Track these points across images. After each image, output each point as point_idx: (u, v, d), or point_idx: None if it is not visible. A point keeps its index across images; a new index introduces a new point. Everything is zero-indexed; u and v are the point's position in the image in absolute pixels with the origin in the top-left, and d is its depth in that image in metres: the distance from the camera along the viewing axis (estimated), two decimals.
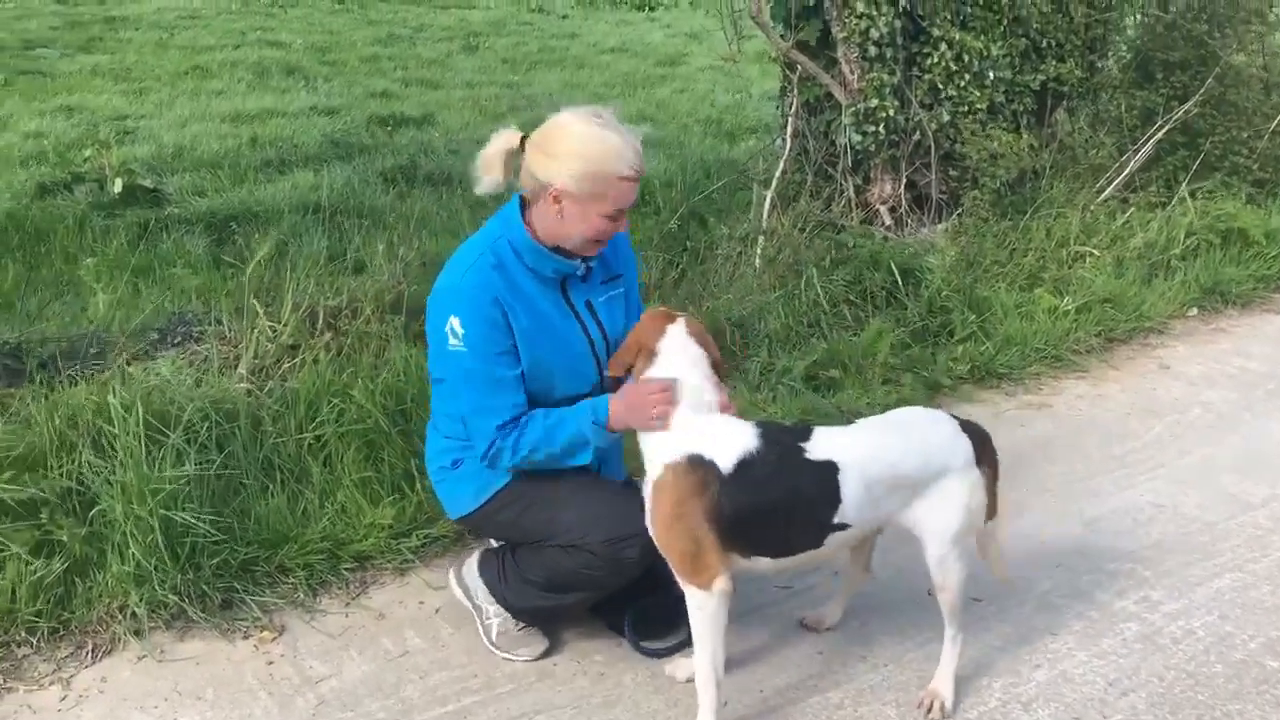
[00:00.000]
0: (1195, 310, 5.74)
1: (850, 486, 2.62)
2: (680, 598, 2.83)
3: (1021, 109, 6.61)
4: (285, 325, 4.26)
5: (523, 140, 2.80)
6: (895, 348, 4.78)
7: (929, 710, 2.83)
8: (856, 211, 6.41)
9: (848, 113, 6.19)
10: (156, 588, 3.14)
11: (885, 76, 6.08)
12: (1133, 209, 6.27)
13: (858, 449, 2.66)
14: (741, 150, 9.26)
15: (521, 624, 3.06)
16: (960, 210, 6.09)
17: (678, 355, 2.69)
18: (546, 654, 3.06)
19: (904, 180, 6.39)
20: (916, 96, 6.27)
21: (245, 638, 3.13)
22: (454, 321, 2.75)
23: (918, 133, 6.28)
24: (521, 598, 2.99)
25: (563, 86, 12.39)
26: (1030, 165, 6.19)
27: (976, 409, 4.62)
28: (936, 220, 6.41)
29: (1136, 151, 6.60)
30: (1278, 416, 4.60)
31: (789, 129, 6.41)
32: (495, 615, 3.06)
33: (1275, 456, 4.22)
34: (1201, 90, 6.54)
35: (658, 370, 2.69)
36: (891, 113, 6.13)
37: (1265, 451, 4.25)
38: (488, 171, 2.84)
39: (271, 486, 3.59)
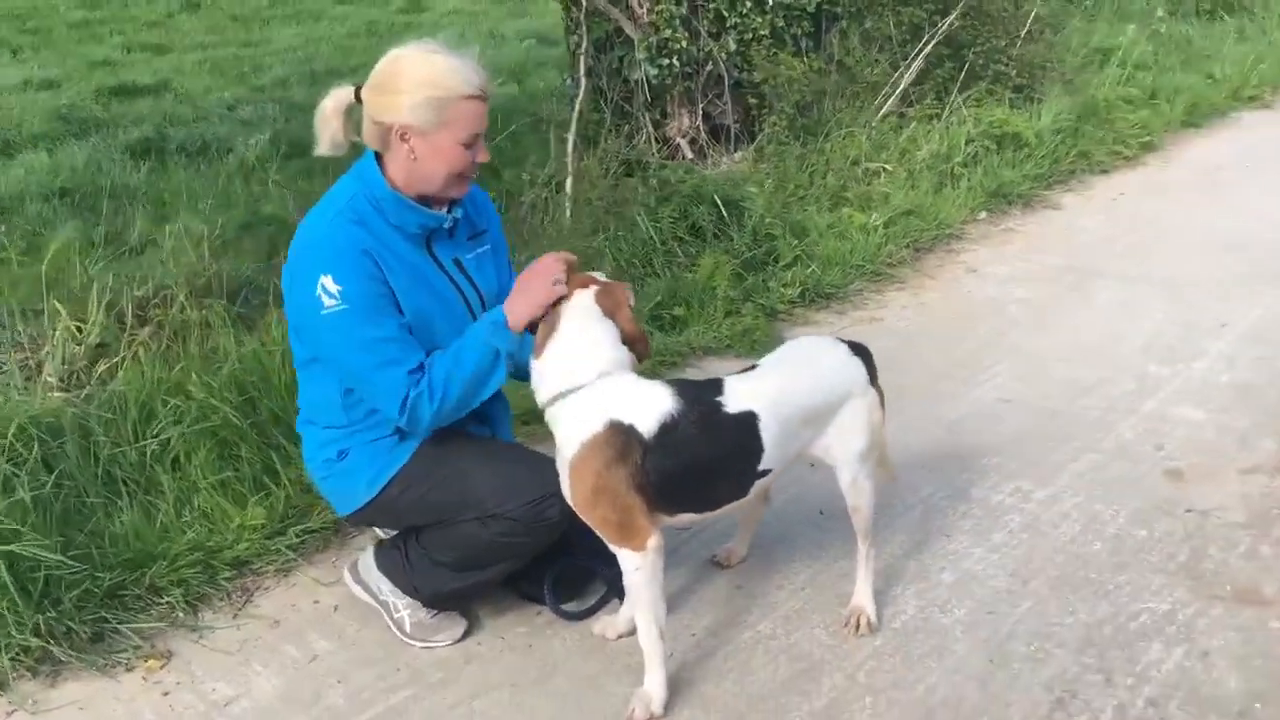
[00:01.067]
0: (984, 214, 6.07)
1: (770, 433, 2.61)
2: (594, 555, 2.82)
3: (800, 32, 6.75)
4: (93, 324, 3.85)
5: (357, 91, 2.61)
6: (730, 279, 4.80)
7: (856, 627, 2.88)
8: (657, 147, 6.41)
9: (640, 47, 6.16)
10: (13, 632, 2.80)
11: (674, 8, 6.07)
12: (914, 122, 6.53)
13: (770, 394, 2.64)
14: (508, 95, 9.10)
15: (435, 610, 2.91)
16: (761, 138, 6.18)
17: (587, 323, 2.56)
18: (467, 635, 2.93)
19: (701, 112, 6.43)
20: (704, 26, 6.29)
21: (129, 670, 2.84)
22: (326, 281, 2.53)
23: (710, 63, 6.31)
24: (433, 583, 2.85)
25: (304, 42, 11.78)
26: (819, 88, 6.34)
27: (815, 330, 4.74)
28: (735, 149, 6.49)
29: (908, 66, 6.87)
30: (1083, 305, 4.93)
31: (581, 68, 6.29)
32: (405, 608, 2.90)
33: (1092, 343, 4.53)
34: (960, 3, 6.87)
35: (559, 338, 2.56)
36: (684, 44, 6.13)
37: (1082, 339, 4.56)
38: (325, 129, 2.65)
39: (119, 502, 3.27)
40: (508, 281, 2.82)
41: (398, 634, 2.91)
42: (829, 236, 5.32)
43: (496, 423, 2.97)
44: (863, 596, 2.93)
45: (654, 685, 2.63)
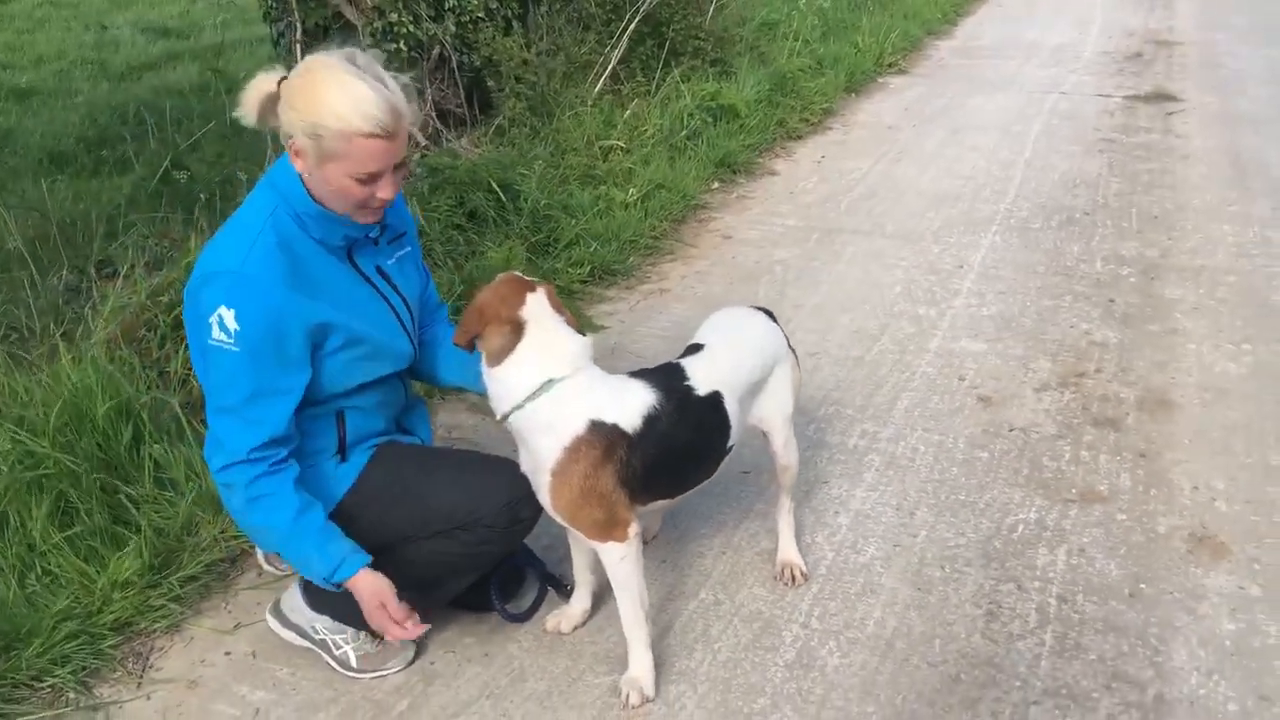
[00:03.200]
0: (716, 184, 6.39)
1: (732, 409, 2.69)
2: (524, 554, 2.86)
3: (510, 14, 6.75)
4: None
5: (280, 82, 2.39)
6: (522, 264, 4.77)
7: (791, 579, 3.02)
8: None
9: (365, 32, 5.90)
10: None
11: None
12: (634, 100, 6.74)
13: (726, 372, 2.71)
14: (147, 87, 8.44)
15: (379, 638, 2.73)
16: (501, 120, 6.14)
17: (548, 323, 2.50)
18: (417, 657, 2.77)
19: (430, 96, 6.28)
20: (423, 9, 6.14)
21: None
22: (225, 314, 2.30)
23: (437, 46, 6.17)
24: None
25: None
26: (550, 68, 6.38)
27: (612, 307, 4.83)
28: (466, 132, 6.40)
29: (615, 45, 7.05)
30: (837, 260, 5.34)
31: (298, 57, 5.93)
32: (347, 642, 2.71)
33: (861, 294, 4.93)
34: None
35: (529, 342, 2.48)
36: (410, 28, 5.95)
37: (851, 291, 4.95)
38: (245, 113, 2.40)
39: None
40: (427, 282, 2.71)
41: (342, 671, 2.71)
42: (593, 215, 5.39)
43: (417, 429, 2.82)
44: (789, 550, 3.07)
45: (642, 669, 2.63)
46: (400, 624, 2.47)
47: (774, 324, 2.95)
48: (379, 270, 2.58)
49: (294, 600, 2.73)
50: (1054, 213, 5.94)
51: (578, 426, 2.44)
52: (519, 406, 2.46)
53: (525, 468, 2.55)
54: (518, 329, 2.45)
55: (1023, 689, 2.64)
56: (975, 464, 3.59)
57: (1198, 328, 4.54)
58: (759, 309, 3.00)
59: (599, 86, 6.87)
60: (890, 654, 2.77)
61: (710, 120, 6.80)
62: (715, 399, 2.64)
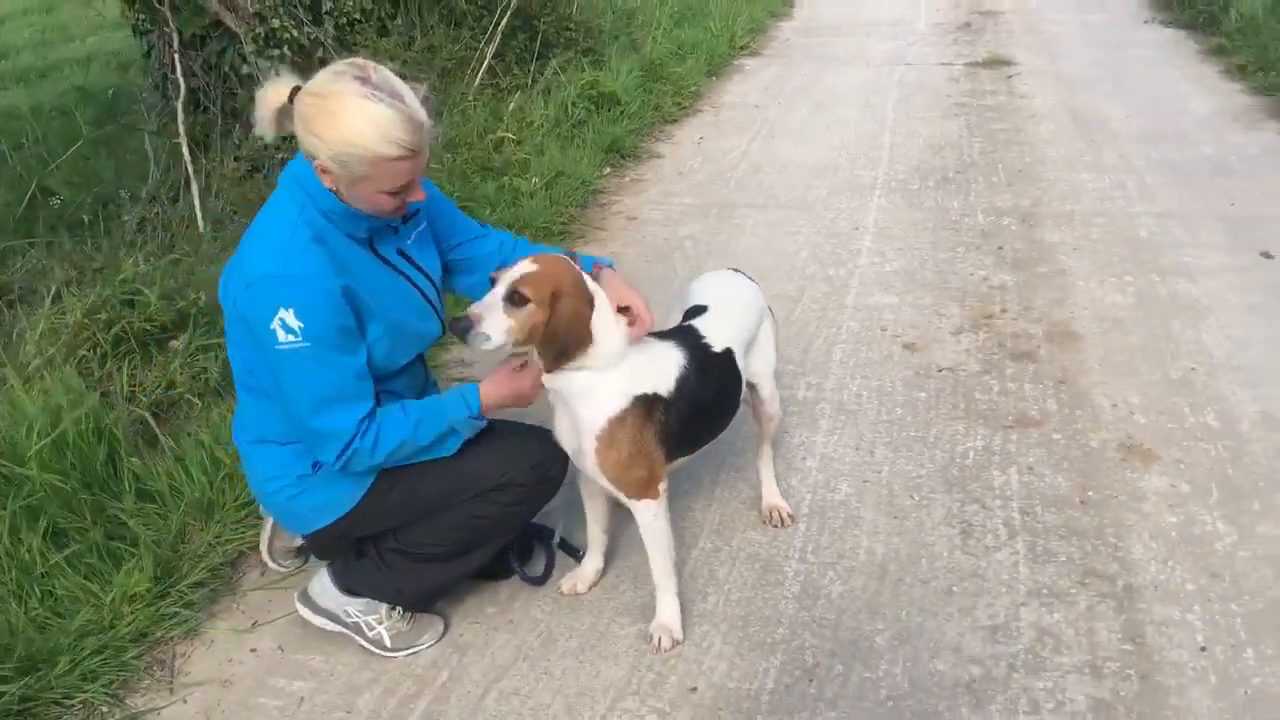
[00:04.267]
0: (609, 169, 6.55)
1: (741, 364, 2.88)
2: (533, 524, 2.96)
3: (384, 13, 6.76)
4: None
5: (293, 92, 2.44)
6: None
7: (780, 521, 3.23)
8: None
9: (248, 39, 5.83)
10: None
11: None
12: (518, 92, 6.84)
13: (733, 329, 2.90)
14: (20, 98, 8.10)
15: (409, 615, 2.82)
16: None
17: (599, 295, 2.60)
18: (446, 630, 2.86)
19: None
20: (302, 13, 6.11)
21: None
22: (286, 315, 2.35)
23: (320, 50, 6.14)
24: (420, 581, 2.76)
25: None
26: (436, 65, 6.42)
27: None
28: None
29: (489, 40, 7.13)
30: (741, 233, 5.58)
31: (177, 68, 5.83)
32: (380, 622, 2.78)
33: (770, 262, 5.16)
34: None
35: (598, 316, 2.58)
36: (294, 33, 5.92)
37: (762, 260, 5.16)
38: (261, 122, 2.45)
39: None
40: (455, 218, 2.81)
41: (378, 652, 2.79)
42: (504, 205, 5.49)
43: (426, 385, 2.91)
44: (773, 494, 3.28)
45: (671, 615, 2.79)
46: (530, 366, 2.57)
47: (754, 284, 3.14)
48: (401, 253, 2.64)
49: (323, 586, 2.78)
50: (928, 174, 6.32)
51: (624, 399, 2.58)
52: (577, 370, 2.57)
53: (563, 431, 2.66)
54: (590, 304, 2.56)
55: (1009, 593, 2.91)
56: (916, 404, 3.87)
57: (1081, 266, 4.95)
58: (737, 270, 3.19)
59: (478, 81, 6.93)
60: (885, 577, 3.00)
61: (593, 108, 6.95)
62: (728, 355, 2.82)
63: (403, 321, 2.58)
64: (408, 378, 2.71)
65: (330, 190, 2.42)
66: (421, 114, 2.37)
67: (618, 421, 2.57)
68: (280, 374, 2.41)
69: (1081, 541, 3.09)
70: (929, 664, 2.68)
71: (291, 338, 2.34)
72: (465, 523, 2.67)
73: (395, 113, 2.31)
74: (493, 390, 2.61)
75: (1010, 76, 8.50)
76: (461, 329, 2.46)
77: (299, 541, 3.07)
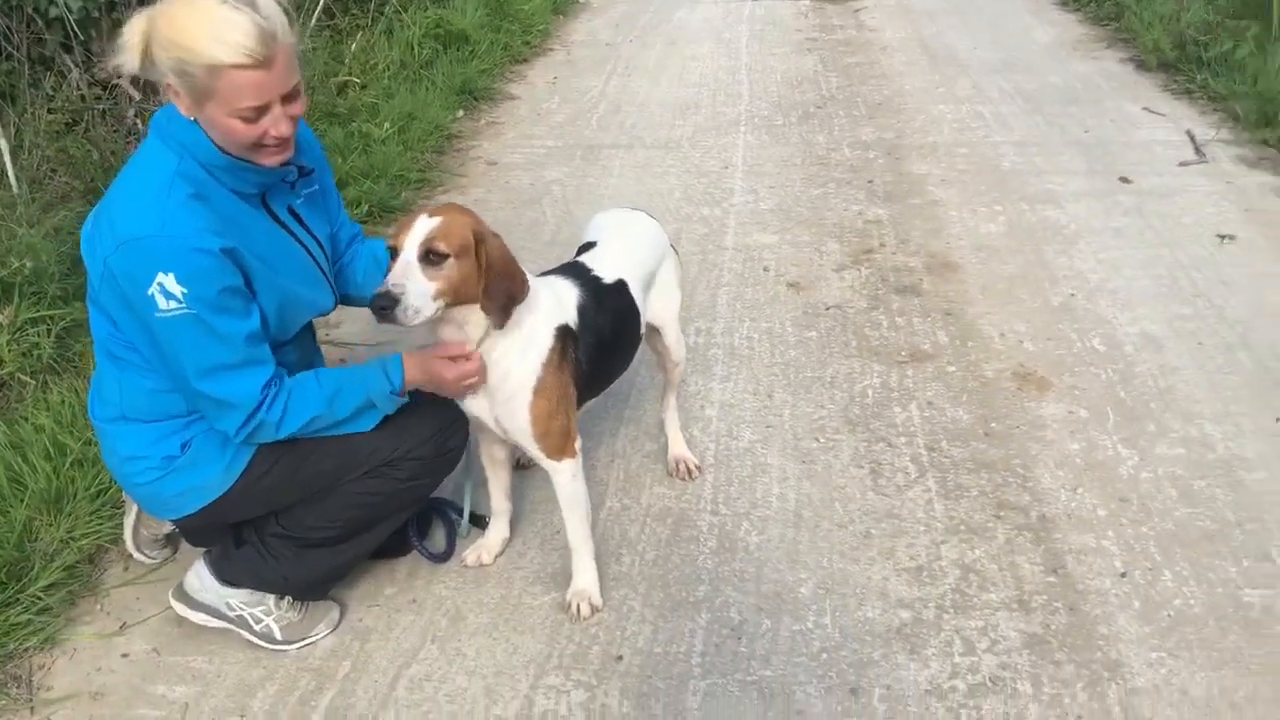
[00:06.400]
0: (462, 111, 6.24)
1: (637, 296, 2.71)
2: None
3: None
4: None
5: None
6: None
7: (687, 473, 3.10)
8: (95, 91, 5.60)
9: None
10: None
11: None
12: (359, 33, 6.44)
13: (624, 261, 2.73)
14: None
15: (300, 603, 2.58)
16: None
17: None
18: (343, 617, 2.64)
19: None
20: None
21: None
22: (166, 280, 2.07)
23: None
24: (311, 567, 2.52)
25: None
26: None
27: None
28: None
29: None
30: (608, 175, 5.39)
31: None
32: (268, 614, 2.54)
33: (643, 201, 4.92)
34: None
35: None
36: None
37: (635, 202, 4.95)
38: (128, 58, 2.13)
39: None
40: (338, 218, 2.54)
41: (268, 646, 2.54)
42: (355, 153, 5.16)
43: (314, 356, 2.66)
44: (680, 446, 3.14)
45: (589, 581, 2.64)
46: (464, 357, 2.36)
47: (656, 222, 2.97)
48: (291, 211, 2.37)
49: (201, 578, 2.51)
50: (790, 109, 6.25)
51: (547, 339, 2.41)
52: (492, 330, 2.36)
53: (476, 402, 2.45)
54: None
55: (928, 532, 2.86)
56: (808, 343, 3.78)
57: (951, 197, 4.95)
58: (634, 209, 3.02)
59: (314, 21, 6.50)
60: (801, 524, 2.90)
61: (440, 48, 6.61)
62: (622, 285, 2.67)
63: (293, 288, 2.31)
64: (298, 350, 2.45)
65: (210, 140, 2.14)
66: (274, 24, 2.09)
67: (548, 365, 2.40)
68: (163, 342, 2.14)
69: (991, 474, 3.06)
70: (857, 611, 2.60)
71: (173, 304, 2.08)
72: (357, 502, 2.43)
73: (241, 16, 2.05)
74: (417, 371, 2.37)
75: (858, 10, 8.50)
76: (382, 306, 2.17)
77: (168, 529, 2.78)
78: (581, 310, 2.51)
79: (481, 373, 2.38)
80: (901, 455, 3.16)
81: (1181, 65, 6.41)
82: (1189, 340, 3.69)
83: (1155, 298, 3.98)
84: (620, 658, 2.49)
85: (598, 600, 2.62)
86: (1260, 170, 5.09)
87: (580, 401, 2.56)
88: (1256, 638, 2.47)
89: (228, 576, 2.50)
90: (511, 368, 2.38)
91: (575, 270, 2.64)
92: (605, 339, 2.58)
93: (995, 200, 4.88)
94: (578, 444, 2.52)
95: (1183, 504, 2.91)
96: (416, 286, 2.19)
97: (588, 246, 2.78)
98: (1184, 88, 6.24)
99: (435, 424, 2.46)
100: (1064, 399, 3.40)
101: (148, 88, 5.76)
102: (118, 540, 2.85)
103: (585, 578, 2.63)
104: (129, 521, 2.77)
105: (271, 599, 2.52)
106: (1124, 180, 5.03)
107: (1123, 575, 2.67)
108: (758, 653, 2.49)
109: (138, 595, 2.74)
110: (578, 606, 2.59)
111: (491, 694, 2.41)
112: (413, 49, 6.44)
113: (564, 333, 2.44)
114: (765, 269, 4.33)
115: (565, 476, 2.52)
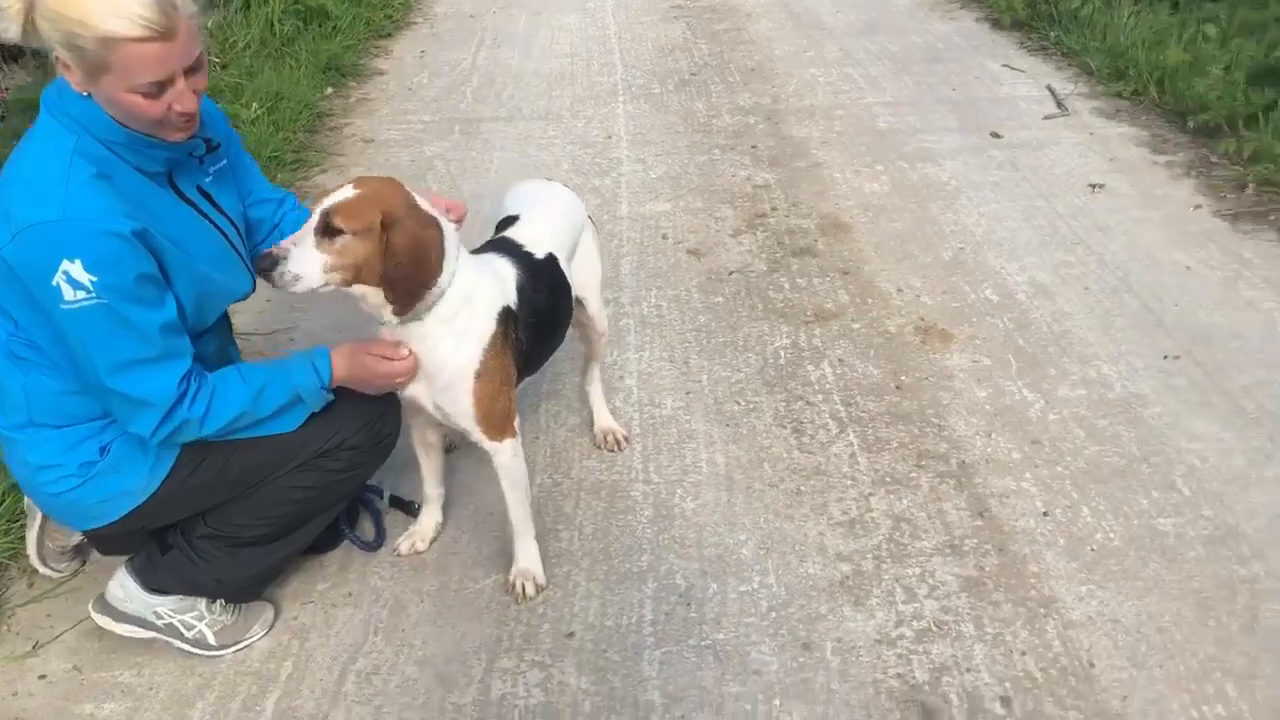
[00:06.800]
0: (330, 89, 6.05)
1: (566, 269, 2.68)
2: None
3: None
4: None
5: None
6: None
7: (616, 444, 3.09)
8: None
9: None
10: None
11: None
12: (214, 11, 6.17)
13: (548, 235, 2.69)
14: None
15: (232, 605, 2.48)
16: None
17: (440, 213, 2.33)
18: (278, 617, 2.55)
19: None
20: None
21: None
22: (72, 268, 1.94)
23: None
24: (244, 567, 2.43)
25: None
26: None
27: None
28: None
29: None
30: (492, 148, 5.30)
31: None
32: (200, 619, 2.44)
33: (531, 174, 4.87)
34: None
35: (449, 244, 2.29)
36: None
37: (523, 174, 4.89)
38: (7, 25, 1.97)
39: None
40: (258, 189, 2.41)
41: (202, 653, 2.44)
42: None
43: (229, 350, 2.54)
44: (606, 418, 3.13)
45: (532, 560, 2.62)
46: (394, 356, 2.30)
47: (572, 192, 2.94)
48: (200, 190, 2.25)
49: (124, 587, 2.39)
50: (665, 77, 6.25)
51: (489, 321, 2.36)
52: (428, 310, 2.29)
53: (414, 385, 2.38)
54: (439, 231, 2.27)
55: (855, 486, 2.92)
56: (716, 309, 3.81)
57: (833, 159, 5.04)
58: (549, 180, 2.98)
59: None
60: (733, 486, 2.93)
61: (301, 24, 6.39)
62: (552, 260, 2.63)
63: (209, 272, 2.20)
64: (216, 338, 2.33)
65: (107, 115, 2.01)
66: None
67: (490, 348, 2.34)
68: (70, 337, 2.01)
69: (908, 426, 3.14)
70: (799, 568, 2.64)
71: (81, 294, 1.95)
72: (290, 498, 2.35)
73: None
74: (345, 366, 2.28)
75: None
76: (265, 266, 2.15)
77: (76, 539, 2.64)
78: (520, 289, 2.47)
79: (413, 371, 2.31)
80: (821, 413, 3.21)
81: (1034, 23, 6.64)
82: (1076, 286, 3.84)
83: (1039, 247, 4.13)
84: (572, 634, 2.47)
85: (542, 579, 2.59)
86: (1118, 121, 5.33)
87: (519, 380, 2.51)
88: (1174, 564, 2.60)
89: (154, 584, 2.38)
90: (451, 352, 2.33)
91: (507, 247, 2.59)
92: (544, 316, 2.54)
93: (876, 160, 4.99)
94: (517, 422, 2.48)
95: (1091, 442, 3.04)
96: (304, 255, 2.13)
97: (509, 221, 2.72)
98: (1039, 44, 6.46)
99: (368, 411, 2.38)
100: (966, 349, 3.50)
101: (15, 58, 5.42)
102: (18, 555, 2.69)
103: (528, 557, 2.59)
104: (32, 534, 2.62)
105: (203, 603, 2.42)
106: (995, 135, 5.20)
107: (1045, 514, 2.78)
108: (708, 617, 2.50)
109: (48, 612, 2.59)
110: (522, 587, 2.56)
111: (445, 682, 2.36)
112: (272, 26, 6.20)
113: (506, 315, 2.39)
114: (664, 237, 4.33)
115: (506, 456, 2.47)
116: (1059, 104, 5.52)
